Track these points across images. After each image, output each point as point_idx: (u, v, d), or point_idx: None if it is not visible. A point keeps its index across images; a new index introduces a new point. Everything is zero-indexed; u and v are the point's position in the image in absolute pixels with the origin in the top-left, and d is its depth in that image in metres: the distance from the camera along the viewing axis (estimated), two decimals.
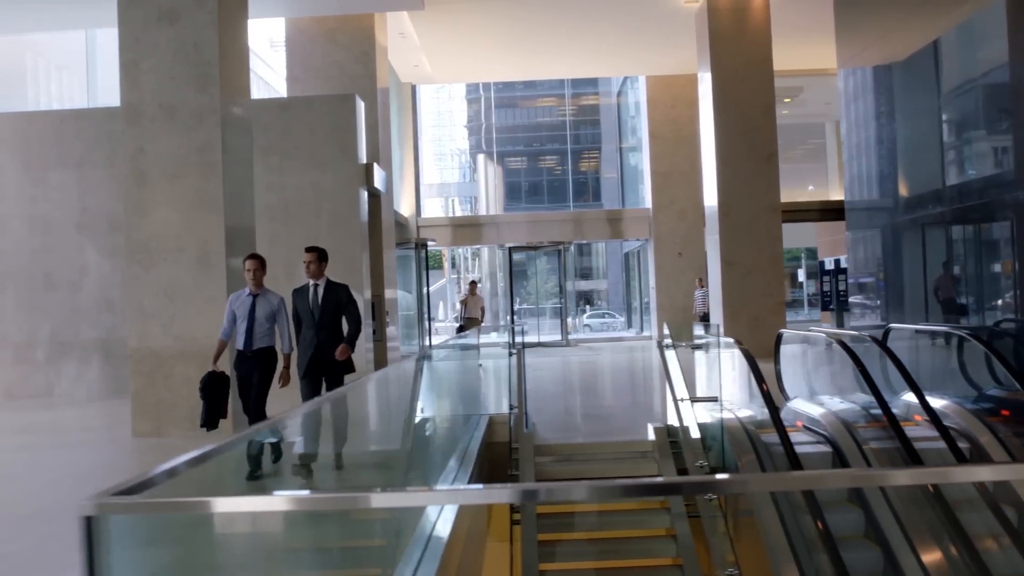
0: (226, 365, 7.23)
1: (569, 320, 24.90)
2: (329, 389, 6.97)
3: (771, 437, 6.50)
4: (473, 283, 16.25)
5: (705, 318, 20.55)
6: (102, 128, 13.25)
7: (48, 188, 13.33)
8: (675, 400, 7.30)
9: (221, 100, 8.61)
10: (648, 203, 22.79)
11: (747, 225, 15.39)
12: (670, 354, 7.74)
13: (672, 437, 7.36)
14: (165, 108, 8.59)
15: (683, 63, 20.25)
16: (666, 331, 8.17)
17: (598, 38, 18.26)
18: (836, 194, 22.75)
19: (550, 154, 46.88)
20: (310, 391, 7.05)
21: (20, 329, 13.29)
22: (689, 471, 6.94)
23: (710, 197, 15.99)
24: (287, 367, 7.09)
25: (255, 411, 6.89)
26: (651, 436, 7.42)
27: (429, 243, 19.70)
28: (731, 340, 6.99)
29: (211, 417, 6.74)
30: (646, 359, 17.60)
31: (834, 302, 24.08)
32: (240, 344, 6.94)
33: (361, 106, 13.48)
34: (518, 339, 11.49)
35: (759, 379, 6.23)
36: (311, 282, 7.20)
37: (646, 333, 24.23)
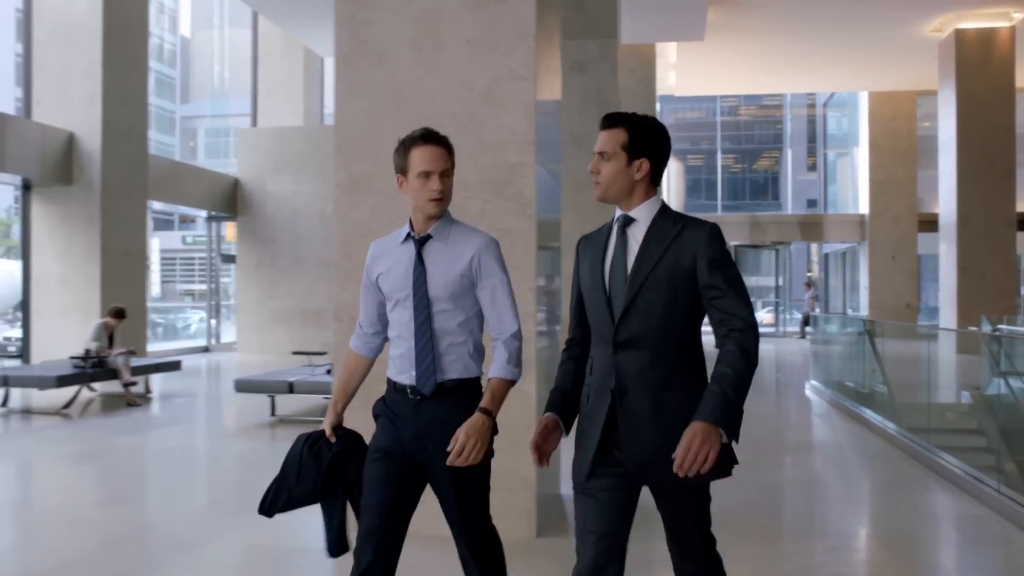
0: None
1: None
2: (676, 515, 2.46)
3: None
4: None
5: (808, 316, 22.58)
6: None
7: None
8: (1004, 376, 9.43)
9: None
10: (861, 208, 24.55)
11: (983, 234, 17.08)
12: None
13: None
14: (575, 137, 11.30)
15: (906, 80, 21.91)
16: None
17: (833, 58, 20.18)
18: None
19: (728, 153, 48.43)
20: (609, 516, 2.41)
21: None
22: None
23: (946, 207, 17.72)
24: (490, 412, 2.61)
25: (470, 540, 2.75)
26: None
27: None
28: None
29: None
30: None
31: None
32: (396, 369, 2.76)
33: None
34: None
35: None
36: (618, 214, 2.51)
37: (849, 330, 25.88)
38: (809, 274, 38.68)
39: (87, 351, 9.43)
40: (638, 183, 2.42)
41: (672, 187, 43.71)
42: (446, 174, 2.69)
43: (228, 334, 19.26)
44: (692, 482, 2.24)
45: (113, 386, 9.92)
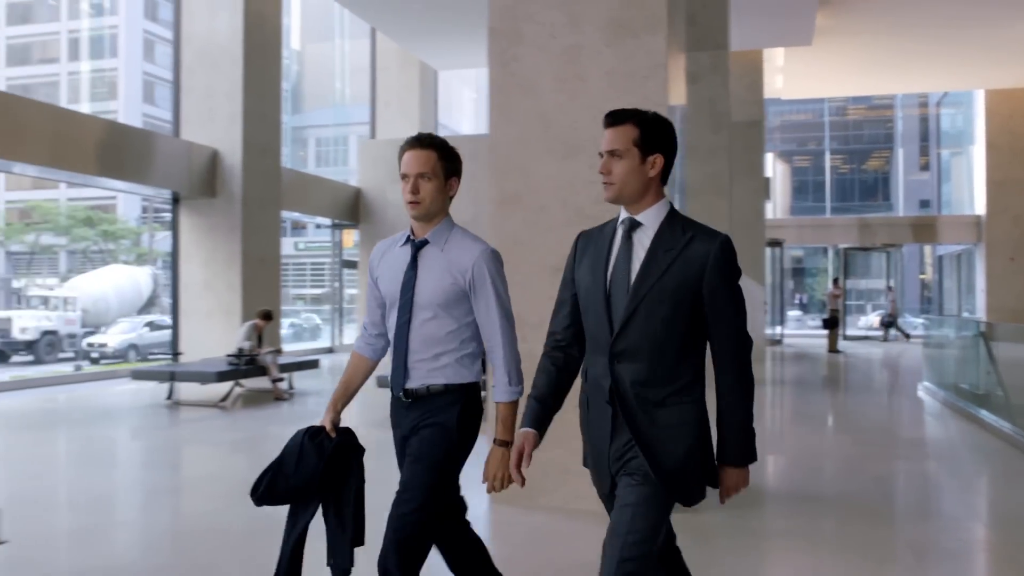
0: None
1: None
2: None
3: None
4: (836, 280, 18.65)
5: (888, 320, 22.15)
6: None
7: None
8: None
9: (730, 140, 11.66)
10: (976, 209, 24.05)
11: None
12: None
13: None
14: (688, 146, 11.72)
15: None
16: None
17: (947, 57, 19.88)
18: None
19: (836, 154, 47.56)
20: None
21: None
22: None
23: None
24: (506, 443, 2.67)
25: (394, 543, 2.63)
26: None
27: (781, 242, 22.23)
28: None
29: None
30: None
31: None
32: (393, 371, 2.79)
33: (764, 130, 16.26)
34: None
35: None
36: (623, 216, 2.40)
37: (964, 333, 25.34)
38: (922, 276, 37.78)
39: (240, 350, 10.36)
40: (651, 181, 2.33)
41: (778, 189, 43.26)
42: (424, 177, 2.67)
43: (348, 336, 20.32)
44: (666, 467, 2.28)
45: (260, 382, 10.84)
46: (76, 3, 55.73)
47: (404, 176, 2.68)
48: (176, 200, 14.20)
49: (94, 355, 25.89)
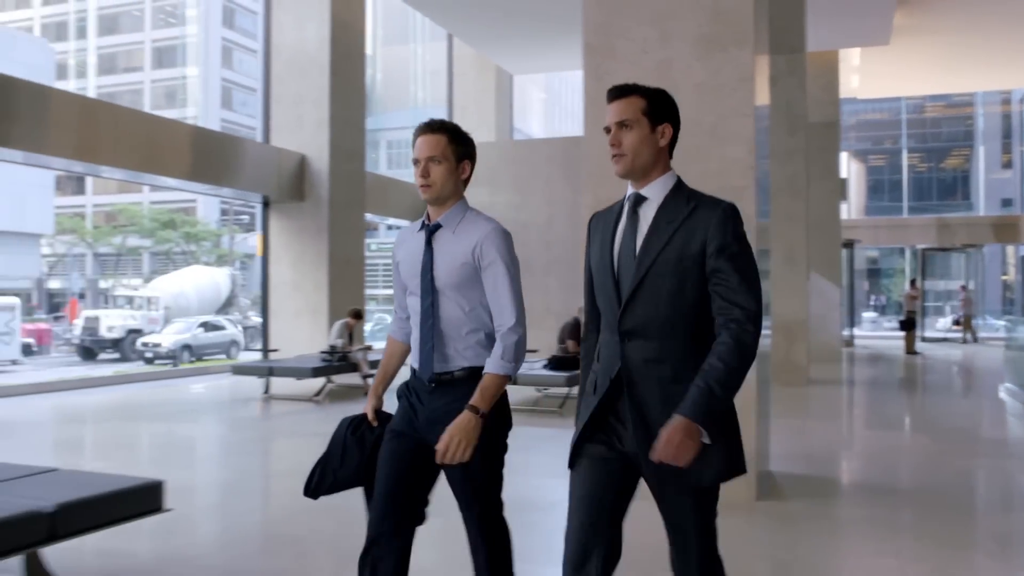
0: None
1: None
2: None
3: None
4: (913, 281, 18.52)
5: (961, 320, 21.70)
6: None
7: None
8: None
9: (806, 142, 11.78)
10: None
11: None
12: None
13: None
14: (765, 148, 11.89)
15: None
16: None
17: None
18: None
19: (914, 152, 46.60)
20: (594, 505, 2.35)
21: (561, 303, 17.48)
22: None
23: None
24: (478, 410, 2.61)
25: (480, 527, 2.76)
26: None
27: (855, 242, 22.07)
28: None
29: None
30: None
31: None
32: (413, 356, 2.81)
33: (840, 131, 16.25)
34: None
35: None
36: (629, 191, 2.39)
37: None
38: (1004, 277, 36.87)
39: (332, 347, 10.88)
40: (661, 152, 2.32)
41: (853, 188, 42.58)
42: (435, 161, 2.68)
43: None
44: (692, 481, 2.21)
45: (350, 378, 11.36)
46: (159, 13, 57.78)
47: (416, 161, 2.73)
48: (266, 204, 14.84)
49: (148, 355, 26.61)
